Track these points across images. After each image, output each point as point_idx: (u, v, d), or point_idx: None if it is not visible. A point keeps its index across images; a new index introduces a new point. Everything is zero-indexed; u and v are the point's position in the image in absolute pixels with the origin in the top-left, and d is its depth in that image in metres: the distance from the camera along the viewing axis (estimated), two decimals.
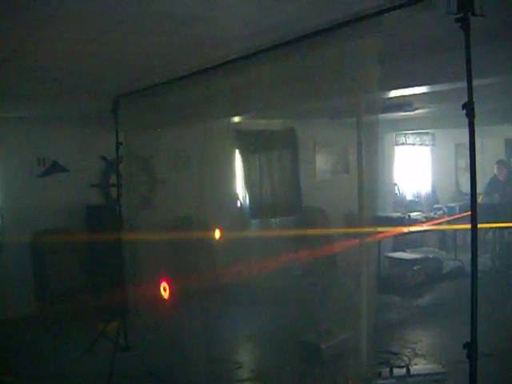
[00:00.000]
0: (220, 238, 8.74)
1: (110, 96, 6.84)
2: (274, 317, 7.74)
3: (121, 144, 6.96)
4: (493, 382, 5.57)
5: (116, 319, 7.13)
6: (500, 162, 12.43)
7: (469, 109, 3.17)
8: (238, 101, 5.92)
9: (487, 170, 12.29)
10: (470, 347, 3.20)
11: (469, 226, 3.30)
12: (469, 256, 3.33)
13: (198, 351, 6.34)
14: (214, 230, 7.06)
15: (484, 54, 4.44)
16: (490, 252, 11.76)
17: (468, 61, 3.13)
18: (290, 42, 4.40)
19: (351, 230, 8.56)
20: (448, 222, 11.63)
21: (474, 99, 3.20)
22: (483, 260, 11.04)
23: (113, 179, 9.08)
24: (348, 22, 3.87)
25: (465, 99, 3.21)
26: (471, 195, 3.32)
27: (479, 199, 11.49)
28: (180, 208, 7.83)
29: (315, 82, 4.94)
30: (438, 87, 6.28)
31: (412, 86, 6.18)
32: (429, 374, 5.75)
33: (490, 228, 11.66)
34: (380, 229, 9.34)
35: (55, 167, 9.17)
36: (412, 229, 10.87)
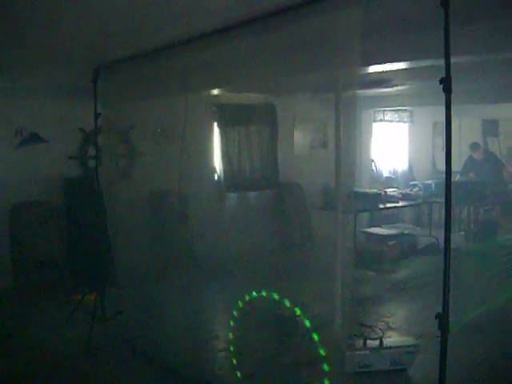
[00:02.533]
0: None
1: (90, 66, 6.79)
2: (250, 288, 7.80)
3: (99, 115, 6.92)
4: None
5: (93, 290, 7.15)
6: (473, 145, 12.61)
7: (446, 84, 3.21)
8: (218, 74, 5.93)
9: (464, 149, 12.43)
10: (442, 318, 3.28)
11: None
12: (443, 232, 3.40)
13: (174, 322, 6.40)
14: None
15: (463, 34, 4.49)
16: (465, 230, 11.92)
17: (446, 36, 3.17)
18: (271, 15, 4.40)
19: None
20: (424, 199, 11.77)
21: (451, 76, 3.24)
22: (458, 237, 11.20)
23: (91, 151, 9.05)
24: None
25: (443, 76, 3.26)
26: (446, 171, 3.37)
27: (456, 178, 11.66)
28: (158, 181, 7.85)
29: (295, 56, 4.96)
30: (417, 64, 6.31)
31: (391, 62, 6.21)
32: (401, 346, 5.84)
33: (466, 206, 11.84)
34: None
35: (33, 138, 9.12)
36: (388, 205, 11.01)
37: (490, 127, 15.57)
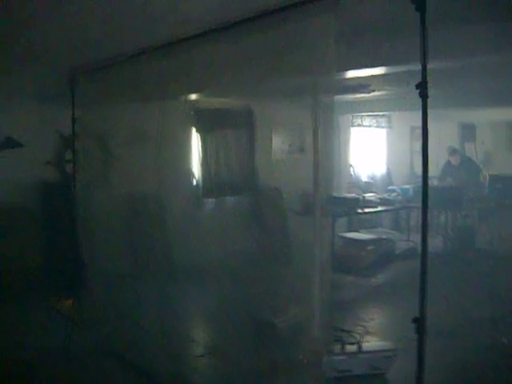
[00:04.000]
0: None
1: (67, 71, 6.75)
2: (229, 295, 7.78)
3: (77, 119, 6.89)
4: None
5: (71, 296, 7.10)
6: (451, 150, 12.70)
7: (422, 89, 3.22)
8: (196, 79, 5.91)
9: (442, 153, 12.51)
10: (419, 322, 3.28)
11: None
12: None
13: (152, 328, 6.37)
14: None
15: (440, 38, 4.51)
16: (443, 234, 11.98)
17: (423, 41, 3.18)
18: (248, 20, 4.40)
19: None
20: (402, 204, 11.82)
21: (429, 81, 3.25)
22: (436, 242, 11.25)
23: (68, 156, 8.98)
24: (306, 0, 3.88)
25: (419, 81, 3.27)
26: (422, 176, 3.38)
27: (434, 183, 11.73)
28: (135, 186, 7.80)
29: (272, 61, 4.95)
30: (394, 69, 6.34)
31: (369, 67, 6.23)
32: (380, 351, 5.85)
33: (443, 211, 11.90)
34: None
35: (9, 142, 9.02)
36: (366, 210, 11.03)
37: (468, 132, 15.71)
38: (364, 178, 14.19)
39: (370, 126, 14.32)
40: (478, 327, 6.91)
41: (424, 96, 3.22)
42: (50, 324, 7.09)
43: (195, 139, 10.50)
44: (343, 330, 6.65)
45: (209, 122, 10.46)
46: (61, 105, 7.31)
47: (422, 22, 3.20)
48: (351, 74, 6.69)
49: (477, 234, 11.73)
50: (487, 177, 12.58)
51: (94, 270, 6.98)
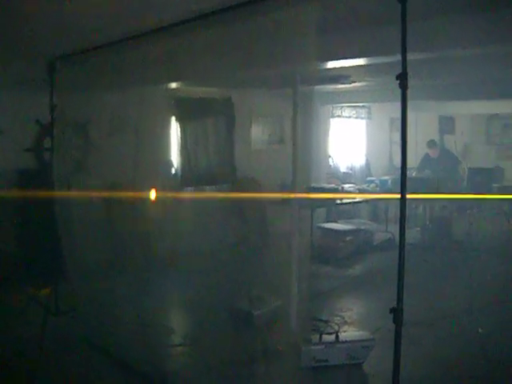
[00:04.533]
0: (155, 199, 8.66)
1: (47, 58, 6.69)
2: (207, 284, 7.78)
3: (56, 106, 6.82)
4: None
5: (48, 285, 7.06)
6: (430, 143, 12.75)
7: (402, 80, 3.22)
8: (176, 67, 5.89)
9: (421, 145, 12.56)
10: (396, 312, 3.30)
11: None
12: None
13: (130, 317, 6.35)
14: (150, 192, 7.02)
15: (422, 30, 4.52)
16: (421, 226, 12.04)
17: (403, 32, 3.19)
18: (229, 8, 4.38)
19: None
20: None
21: (409, 72, 3.26)
22: (414, 233, 11.32)
23: (47, 143, 8.90)
24: None
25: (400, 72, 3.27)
26: (401, 167, 3.39)
27: (412, 174, 11.77)
28: (114, 174, 7.76)
29: (252, 50, 4.95)
30: (375, 60, 6.34)
31: (349, 58, 6.23)
32: (357, 341, 5.88)
33: (421, 202, 11.95)
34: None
35: None
36: (345, 200, 11.05)
37: (447, 124, 15.77)
38: (343, 169, 14.20)
39: (349, 117, 14.33)
40: (455, 318, 6.97)
41: (404, 87, 3.23)
42: (28, 314, 7.05)
43: (174, 128, 10.46)
44: (321, 320, 6.67)
45: (188, 112, 10.43)
46: (40, 92, 7.23)
47: (403, 13, 3.20)
48: (332, 64, 6.68)
49: (454, 226, 11.79)
50: (466, 170, 12.64)
51: (72, 259, 6.95)
